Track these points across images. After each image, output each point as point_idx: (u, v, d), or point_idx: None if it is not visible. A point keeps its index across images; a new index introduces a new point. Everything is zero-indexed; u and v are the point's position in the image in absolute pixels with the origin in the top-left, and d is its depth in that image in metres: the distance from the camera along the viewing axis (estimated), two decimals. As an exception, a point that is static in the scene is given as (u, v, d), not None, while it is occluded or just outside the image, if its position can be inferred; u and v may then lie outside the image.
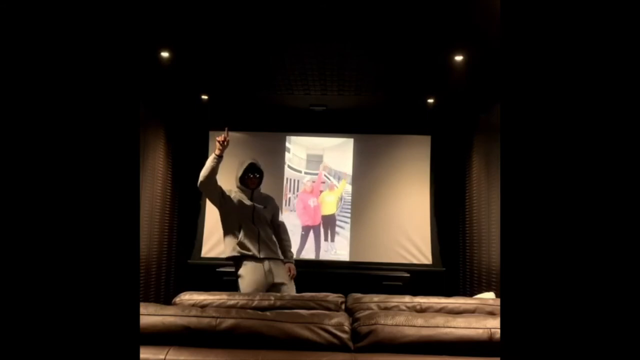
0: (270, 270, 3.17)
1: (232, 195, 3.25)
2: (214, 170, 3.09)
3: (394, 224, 5.08)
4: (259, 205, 3.27)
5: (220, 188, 3.24)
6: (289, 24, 3.02)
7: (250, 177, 3.25)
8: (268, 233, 3.27)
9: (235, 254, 3.18)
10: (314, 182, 5.19)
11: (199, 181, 3.13)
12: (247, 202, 3.24)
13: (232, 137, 5.16)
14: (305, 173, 5.21)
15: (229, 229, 3.23)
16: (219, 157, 3.09)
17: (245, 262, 3.18)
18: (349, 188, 5.17)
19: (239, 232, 3.18)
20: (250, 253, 3.17)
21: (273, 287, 3.14)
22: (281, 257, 3.28)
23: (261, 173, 3.32)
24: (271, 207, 3.37)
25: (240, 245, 3.16)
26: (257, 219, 3.24)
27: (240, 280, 3.18)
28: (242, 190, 3.28)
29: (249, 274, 3.15)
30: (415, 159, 5.16)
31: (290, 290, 3.21)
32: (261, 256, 3.17)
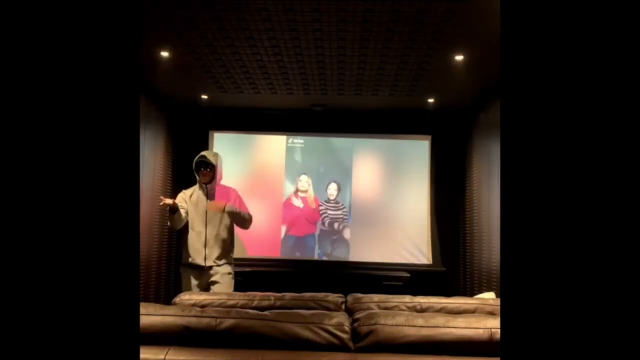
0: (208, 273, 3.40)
1: (190, 199, 3.46)
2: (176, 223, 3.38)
3: (394, 224, 5.07)
4: (212, 206, 3.43)
5: (186, 213, 3.45)
6: (289, 24, 3.02)
7: (203, 172, 3.44)
8: (220, 234, 3.42)
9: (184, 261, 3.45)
10: (297, 192, 5.16)
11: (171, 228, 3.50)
12: (201, 204, 3.43)
13: (232, 137, 5.20)
14: (303, 174, 5.20)
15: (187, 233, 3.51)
16: (173, 212, 3.32)
17: (190, 269, 3.42)
18: (349, 187, 5.16)
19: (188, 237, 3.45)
20: (194, 262, 3.38)
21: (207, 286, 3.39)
22: (226, 259, 3.45)
23: (212, 166, 3.46)
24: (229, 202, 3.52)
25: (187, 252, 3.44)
26: (210, 221, 3.42)
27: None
28: (200, 187, 3.49)
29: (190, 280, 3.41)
30: (415, 159, 5.16)
31: (222, 288, 3.38)
32: (207, 264, 3.38)
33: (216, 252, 3.38)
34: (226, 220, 3.44)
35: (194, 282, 3.39)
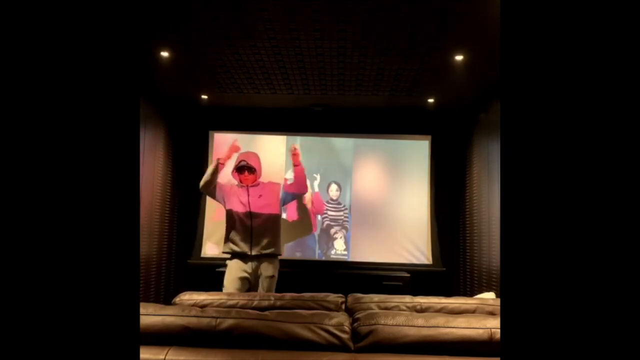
0: (258, 266, 3.37)
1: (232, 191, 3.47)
2: (213, 177, 3.35)
3: (394, 224, 5.07)
4: (256, 201, 3.43)
5: (221, 188, 3.44)
6: (289, 24, 3.02)
7: (245, 176, 3.46)
8: (267, 226, 3.41)
9: (227, 250, 3.40)
10: None
11: (200, 186, 3.42)
12: (244, 200, 3.42)
13: (232, 137, 5.18)
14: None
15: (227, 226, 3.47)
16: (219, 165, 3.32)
17: (234, 259, 3.38)
18: (349, 187, 5.16)
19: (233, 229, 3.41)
20: (239, 250, 3.35)
21: (256, 280, 3.36)
22: (274, 248, 3.43)
23: (254, 169, 3.46)
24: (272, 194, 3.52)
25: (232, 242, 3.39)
26: (254, 215, 3.42)
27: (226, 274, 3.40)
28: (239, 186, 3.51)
29: (233, 270, 3.36)
30: (415, 159, 5.16)
31: (271, 283, 3.36)
32: (253, 253, 3.34)
33: (263, 241, 3.35)
34: (275, 210, 3.45)
35: (239, 271, 3.32)
